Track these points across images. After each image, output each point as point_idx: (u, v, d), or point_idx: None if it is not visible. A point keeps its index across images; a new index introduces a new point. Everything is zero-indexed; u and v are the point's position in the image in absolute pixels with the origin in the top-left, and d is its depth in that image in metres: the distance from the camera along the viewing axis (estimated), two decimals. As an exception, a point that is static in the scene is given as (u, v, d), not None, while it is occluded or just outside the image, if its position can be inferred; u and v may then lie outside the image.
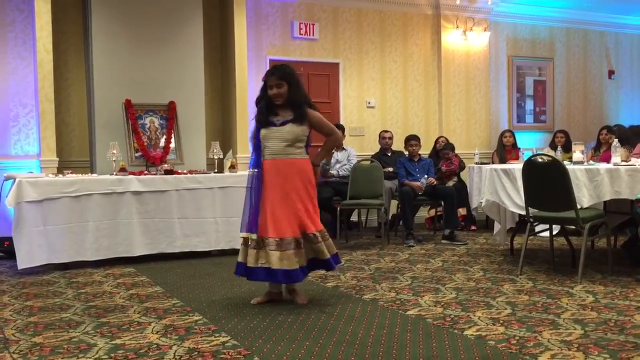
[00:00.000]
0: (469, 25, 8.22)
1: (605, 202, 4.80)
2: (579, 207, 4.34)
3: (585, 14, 9.05)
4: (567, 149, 7.10)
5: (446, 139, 7.67)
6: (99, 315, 3.59)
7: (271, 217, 3.65)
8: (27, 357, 2.84)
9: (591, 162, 5.46)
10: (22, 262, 4.87)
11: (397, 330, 3.16)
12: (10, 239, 5.21)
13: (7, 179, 5.32)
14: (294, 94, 3.74)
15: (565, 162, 4.85)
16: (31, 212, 4.94)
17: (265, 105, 3.78)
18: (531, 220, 4.64)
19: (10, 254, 5.27)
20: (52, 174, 5.56)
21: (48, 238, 5.00)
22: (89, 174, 5.65)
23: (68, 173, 5.46)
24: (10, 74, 6.23)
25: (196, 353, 2.85)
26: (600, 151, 7.36)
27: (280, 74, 3.73)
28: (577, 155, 5.24)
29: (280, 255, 3.58)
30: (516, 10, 8.66)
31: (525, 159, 4.71)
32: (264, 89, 3.81)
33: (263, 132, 3.77)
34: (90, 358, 2.81)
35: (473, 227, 7.27)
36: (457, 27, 8.16)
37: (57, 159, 5.97)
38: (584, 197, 4.50)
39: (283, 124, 3.73)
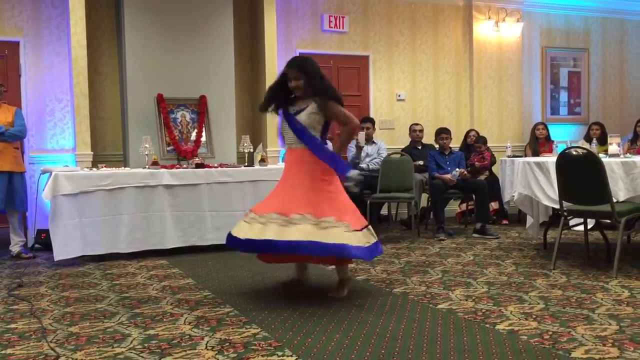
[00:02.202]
0: (501, 16, 8.10)
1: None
2: (614, 200, 4.25)
3: (621, 2, 8.84)
4: (603, 141, 6.96)
5: (477, 132, 7.58)
6: (133, 306, 3.66)
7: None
8: (64, 346, 2.90)
9: (628, 154, 5.34)
10: (59, 254, 4.98)
11: (428, 324, 3.14)
12: (46, 231, 5.34)
13: (43, 172, 5.44)
14: (312, 84, 3.73)
15: (601, 155, 4.75)
16: (67, 205, 5.05)
17: (276, 94, 3.84)
18: (565, 214, 4.56)
19: (47, 246, 5.40)
20: (87, 167, 5.66)
21: (83, 230, 5.10)
22: (123, 168, 5.74)
23: (102, 167, 5.55)
24: (46, 70, 6.36)
25: (228, 344, 2.88)
26: (637, 144, 7.20)
27: (297, 67, 3.76)
28: (613, 147, 5.13)
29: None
30: (550, 0, 8.50)
31: (559, 152, 4.63)
32: (279, 79, 3.86)
33: (282, 123, 3.86)
34: (124, 348, 2.86)
35: (505, 221, 7.18)
36: (489, 18, 8.05)
37: (92, 152, 6.08)
38: (620, 191, 4.41)
39: (296, 113, 3.77)
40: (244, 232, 3.70)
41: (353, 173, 3.92)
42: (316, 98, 3.72)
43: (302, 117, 3.74)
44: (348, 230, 3.56)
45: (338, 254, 3.61)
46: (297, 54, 7.26)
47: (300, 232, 3.52)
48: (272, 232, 3.56)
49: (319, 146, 3.77)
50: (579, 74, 8.90)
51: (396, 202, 7.26)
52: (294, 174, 3.77)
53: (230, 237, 3.80)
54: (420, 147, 7.12)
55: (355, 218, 3.70)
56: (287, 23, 7.31)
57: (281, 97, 3.86)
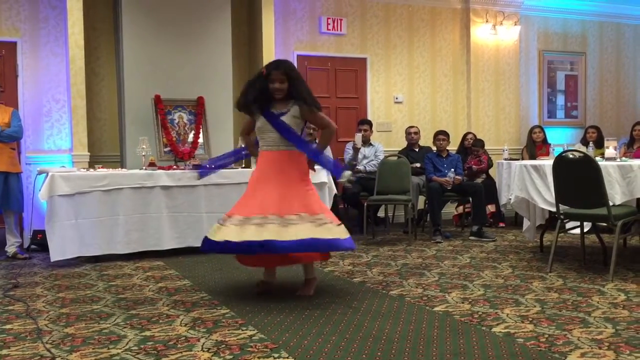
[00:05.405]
0: (499, 19, 8.12)
1: (638, 199, 4.70)
2: (611, 204, 4.26)
3: (618, 7, 8.87)
4: (599, 145, 6.98)
5: (474, 135, 7.59)
6: (129, 307, 3.65)
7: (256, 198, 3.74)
8: (59, 347, 2.89)
9: (624, 158, 5.35)
10: (55, 255, 4.97)
11: (424, 327, 3.14)
12: (43, 232, 5.33)
13: (40, 173, 5.43)
14: (296, 89, 3.77)
15: (597, 159, 4.76)
16: (63, 205, 5.04)
17: (259, 94, 3.78)
18: (561, 217, 4.57)
19: (43, 247, 5.39)
20: (84, 168, 5.65)
21: (79, 231, 5.10)
22: (119, 169, 5.73)
23: (99, 167, 5.55)
24: (43, 70, 6.36)
25: (224, 346, 2.87)
26: (633, 147, 7.22)
27: (284, 69, 3.77)
28: (609, 151, 5.14)
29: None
30: (547, 4, 8.53)
31: (555, 155, 4.64)
32: (260, 79, 3.79)
33: (259, 124, 3.83)
34: (120, 349, 2.85)
35: (501, 224, 7.20)
36: (487, 21, 8.07)
37: (89, 153, 6.08)
38: (617, 194, 4.42)
39: (279, 115, 3.78)
40: (231, 234, 3.62)
41: (347, 174, 4.06)
42: (300, 103, 3.77)
43: (286, 120, 3.77)
44: (336, 224, 3.76)
45: (334, 249, 3.87)
46: (295, 56, 7.28)
47: (301, 230, 3.59)
48: (270, 232, 3.57)
49: (310, 146, 3.95)
50: (575, 77, 8.93)
51: (393, 205, 7.27)
52: (274, 176, 3.75)
53: (210, 241, 3.71)
54: (417, 150, 7.13)
55: (332, 214, 3.87)
56: (285, 25, 7.31)
57: (261, 97, 3.81)
